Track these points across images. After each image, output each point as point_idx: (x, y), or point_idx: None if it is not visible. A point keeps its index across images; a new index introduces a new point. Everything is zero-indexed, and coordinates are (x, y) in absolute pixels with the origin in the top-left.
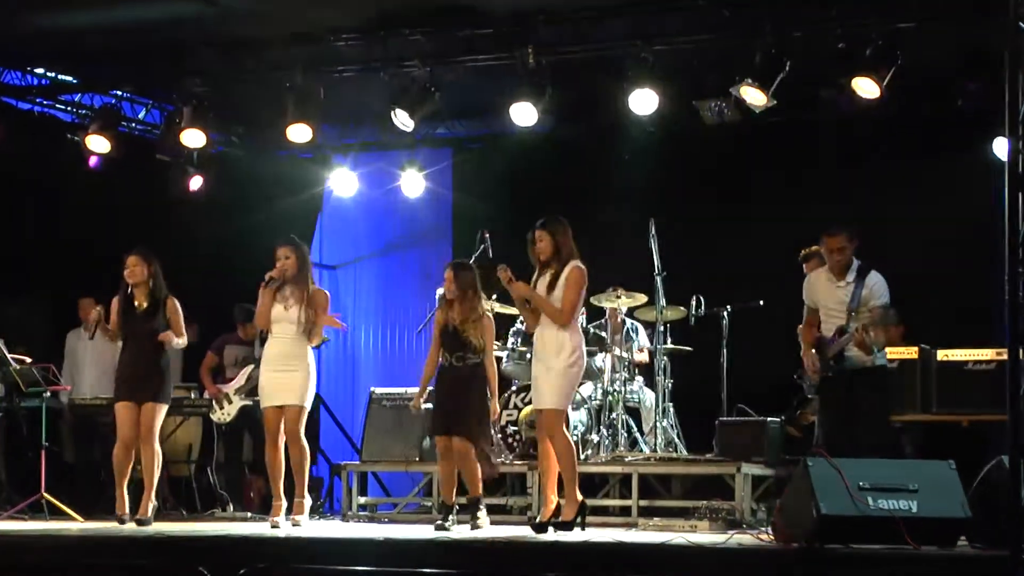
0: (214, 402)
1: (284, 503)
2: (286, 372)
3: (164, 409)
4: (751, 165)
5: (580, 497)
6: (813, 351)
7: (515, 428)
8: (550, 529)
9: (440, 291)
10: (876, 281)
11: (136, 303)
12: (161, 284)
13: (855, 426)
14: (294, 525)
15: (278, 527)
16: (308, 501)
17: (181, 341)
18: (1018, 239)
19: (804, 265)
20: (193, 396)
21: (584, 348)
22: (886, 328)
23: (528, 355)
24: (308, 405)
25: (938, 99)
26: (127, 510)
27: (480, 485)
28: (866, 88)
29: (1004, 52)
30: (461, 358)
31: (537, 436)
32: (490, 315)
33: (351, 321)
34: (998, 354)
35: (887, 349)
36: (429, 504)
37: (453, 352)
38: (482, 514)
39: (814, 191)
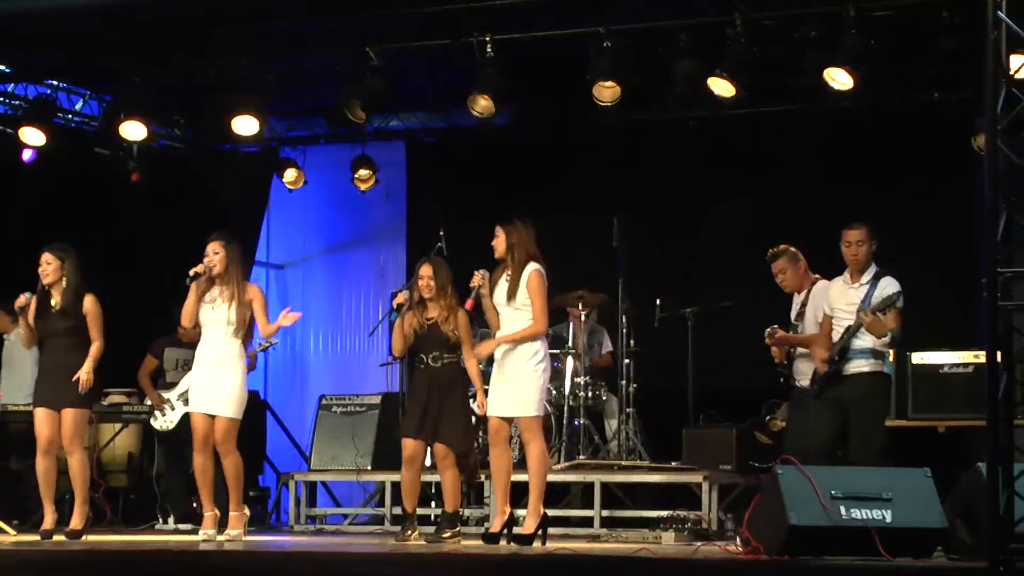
0: (155, 409)
1: (216, 514)
2: (216, 376)
3: (86, 415)
4: (720, 160)
5: (543, 510)
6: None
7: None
8: (502, 540)
9: (397, 291)
10: (891, 283)
11: (52, 302)
12: (77, 281)
13: (845, 432)
14: (228, 540)
15: (210, 540)
16: (247, 514)
17: (93, 350)
18: (998, 237)
19: (772, 265)
20: (132, 402)
21: (547, 350)
22: (897, 312)
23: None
24: (239, 416)
25: (915, 91)
26: (53, 524)
27: (459, 499)
28: (840, 79)
29: (983, 42)
30: (438, 358)
31: (489, 444)
32: (464, 309)
33: (299, 323)
34: (976, 357)
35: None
36: (382, 515)
37: (429, 352)
38: (455, 532)
39: (786, 187)
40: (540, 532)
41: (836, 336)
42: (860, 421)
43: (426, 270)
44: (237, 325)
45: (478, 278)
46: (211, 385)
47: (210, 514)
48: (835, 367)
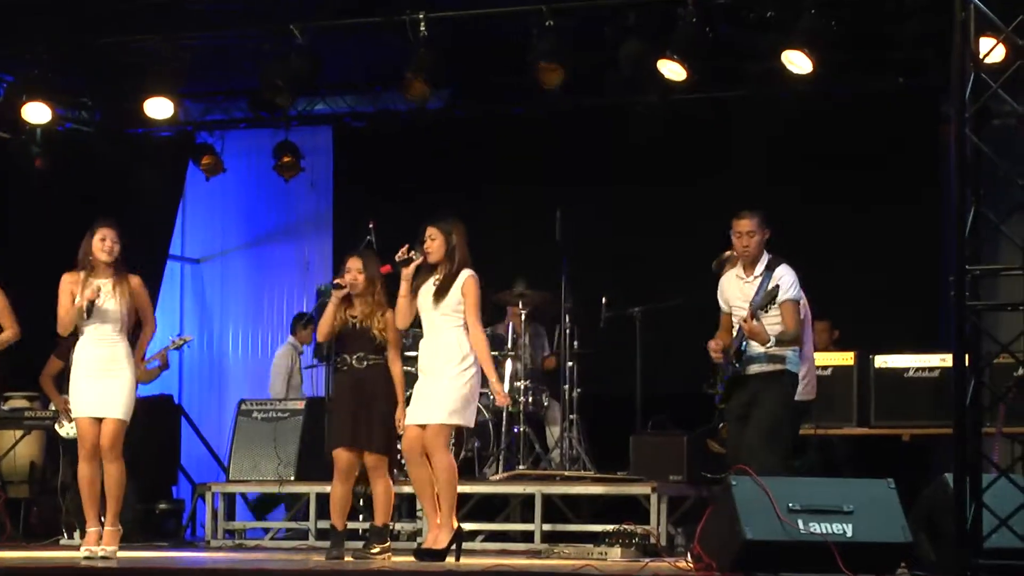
0: (60, 415)
1: (101, 529)
2: (106, 379)
3: None
4: (669, 147)
5: (456, 524)
6: (718, 342)
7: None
8: (449, 557)
9: (321, 286)
10: (784, 273)
11: None
12: None
13: (750, 436)
14: (104, 557)
15: (92, 557)
16: (120, 531)
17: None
18: (966, 232)
19: (719, 272)
20: (35, 407)
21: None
22: (790, 306)
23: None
24: (128, 419)
25: (878, 75)
26: None
27: (391, 511)
28: (798, 63)
29: (950, 24)
30: (363, 359)
31: (404, 455)
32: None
33: (217, 322)
34: (943, 360)
35: (822, 354)
36: (305, 529)
37: (353, 353)
38: (385, 547)
39: (739, 177)
40: (454, 547)
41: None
42: (759, 424)
43: (355, 263)
44: (123, 322)
45: (404, 252)
46: (101, 388)
47: (95, 529)
48: (734, 371)
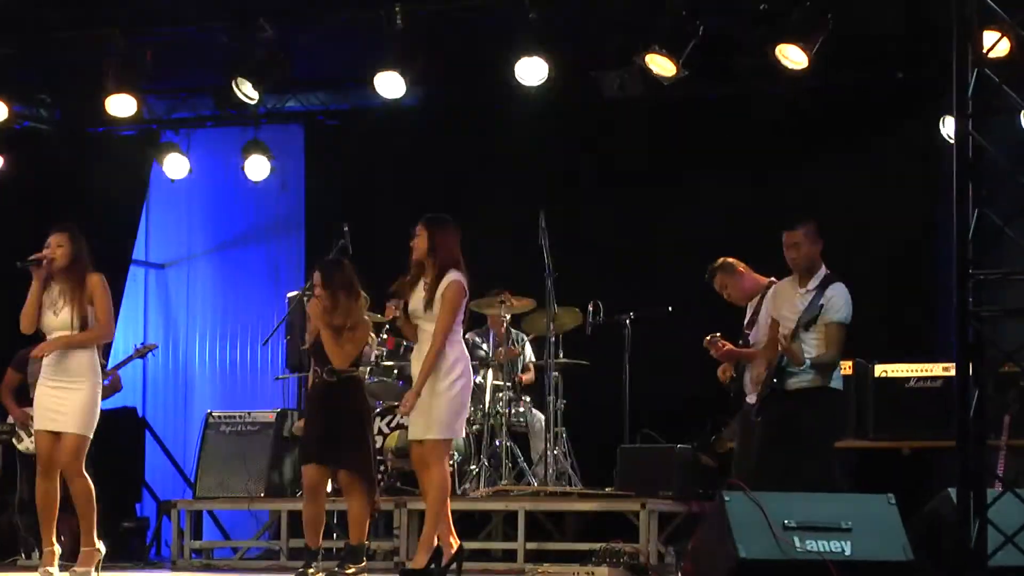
0: (17, 428)
1: (57, 549)
2: (65, 390)
3: None
4: (658, 147)
5: (436, 541)
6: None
7: (379, 458)
8: None
9: (292, 294)
10: (835, 294)
11: None
12: None
13: (788, 453)
14: None
15: None
16: (101, 551)
17: None
18: (968, 235)
19: (712, 282)
20: None
21: (470, 363)
22: (837, 328)
23: (395, 370)
24: (91, 433)
25: (875, 71)
26: None
27: (367, 530)
28: (792, 57)
29: (950, 16)
30: (335, 372)
31: (417, 471)
32: (368, 320)
33: (183, 330)
34: (945, 370)
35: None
36: (277, 548)
37: (324, 365)
38: (361, 567)
39: (731, 178)
40: (433, 567)
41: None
42: (804, 447)
43: (316, 278)
44: (80, 330)
45: (392, 311)
46: (59, 399)
47: (50, 549)
48: (772, 385)
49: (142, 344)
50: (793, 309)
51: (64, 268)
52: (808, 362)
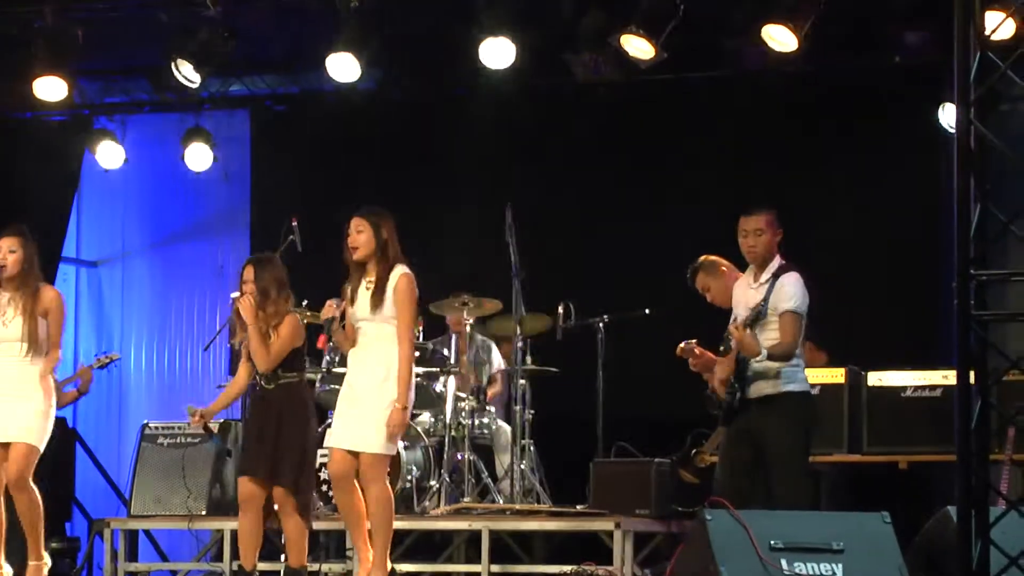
0: None
1: (9, 570)
2: (15, 402)
3: None
4: (634, 136)
5: (391, 565)
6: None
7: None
8: None
9: (236, 295)
10: (789, 282)
11: None
12: None
13: (759, 471)
14: None
15: None
16: (47, 563)
17: None
18: (970, 232)
19: (694, 283)
20: None
21: (412, 370)
22: (791, 318)
23: None
24: (42, 446)
25: (870, 54)
26: None
27: (305, 551)
28: (780, 38)
29: None
30: (272, 378)
31: (335, 482)
32: (296, 316)
33: (117, 333)
34: (945, 377)
35: (809, 371)
36: (219, 571)
37: (262, 372)
38: None
39: (713, 169)
40: None
41: None
42: (776, 465)
43: (247, 273)
44: (31, 343)
45: (331, 309)
46: (9, 411)
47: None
48: (734, 392)
49: (103, 353)
50: (747, 305)
51: (15, 276)
52: (765, 353)
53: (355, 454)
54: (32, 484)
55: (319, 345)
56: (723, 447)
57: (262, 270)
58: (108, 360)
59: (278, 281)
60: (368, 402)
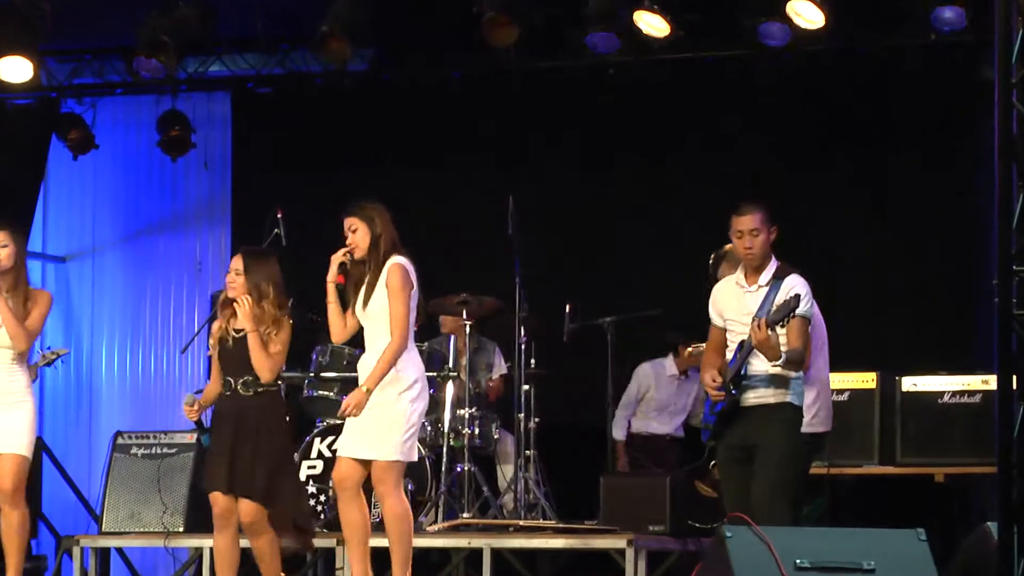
0: None
1: None
2: (8, 410)
3: None
4: (647, 121)
5: None
6: (714, 370)
7: (319, 486)
8: None
9: (217, 292)
10: (795, 284)
11: None
12: None
13: (750, 483)
14: None
15: None
16: None
17: None
18: (1012, 224)
19: (716, 271)
20: None
21: (424, 373)
22: (800, 322)
23: (336, 384)
24: (31, 456)
25: (902, 31)
26: None
27: (278, 569)
28: (806, 15)
29: None
30: (250, 384)
31: (336, 492)
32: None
33: (87, 335)
34: (985, 382)
35: (836, 375)
36: None
37: (238, 376)
38: None
39: (733, 157)
40: None
41: (731, 355)
42: (764, 466)
43: (236, 262)
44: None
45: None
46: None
47: None
48: (731, 398)
49: (48, 349)
50: (744, 310)
51: (9, 270)
52: (784, 358)
53: (365, 463)
54: (23, 501)
55: (338, 280)
56: (724, 465)
57: (255, 264)
58: (55, 356)
59: (274, 280)
60: (374, 406)
